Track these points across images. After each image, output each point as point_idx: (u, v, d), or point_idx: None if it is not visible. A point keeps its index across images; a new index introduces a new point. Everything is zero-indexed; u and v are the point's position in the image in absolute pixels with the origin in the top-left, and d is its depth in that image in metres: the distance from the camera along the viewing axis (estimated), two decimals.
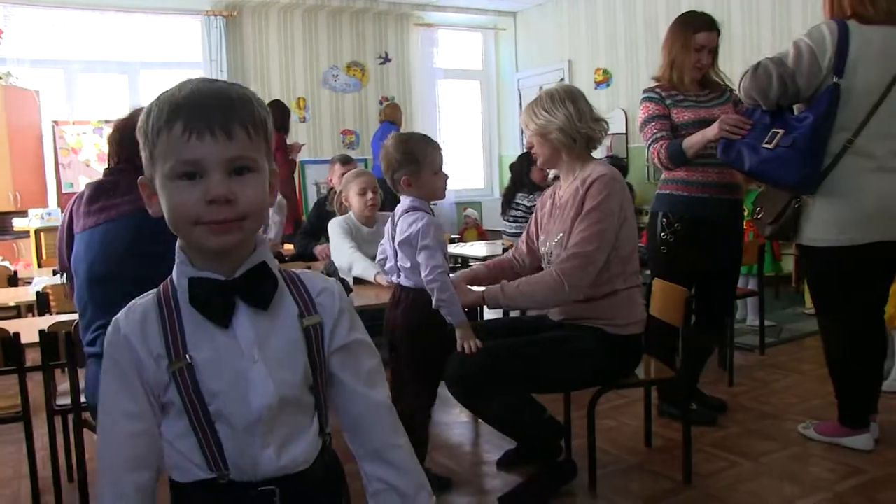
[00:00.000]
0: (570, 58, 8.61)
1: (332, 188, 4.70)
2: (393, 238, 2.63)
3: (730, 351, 3.93)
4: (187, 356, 1.05)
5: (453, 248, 5.35)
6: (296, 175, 7.40)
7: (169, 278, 1.10)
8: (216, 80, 1.06)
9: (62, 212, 6.68)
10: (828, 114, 2.67)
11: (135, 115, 2.32)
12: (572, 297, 2.51)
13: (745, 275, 4.94)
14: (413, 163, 2.56)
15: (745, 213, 4.83)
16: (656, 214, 3.30)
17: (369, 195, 3.57)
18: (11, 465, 3.17)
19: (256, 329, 1.07)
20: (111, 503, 1.06)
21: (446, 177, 2.64)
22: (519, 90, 9.48)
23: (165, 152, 1.01)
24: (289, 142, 6.74)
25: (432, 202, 2.72)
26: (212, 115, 1.00)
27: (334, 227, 3.63)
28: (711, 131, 2.97)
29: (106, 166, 2.39)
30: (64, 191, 7.14)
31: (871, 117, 2.68)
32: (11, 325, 2.60)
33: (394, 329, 2.65)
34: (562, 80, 8.55)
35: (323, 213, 4.60)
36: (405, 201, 2.61)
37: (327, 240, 4.69)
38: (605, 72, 8.10)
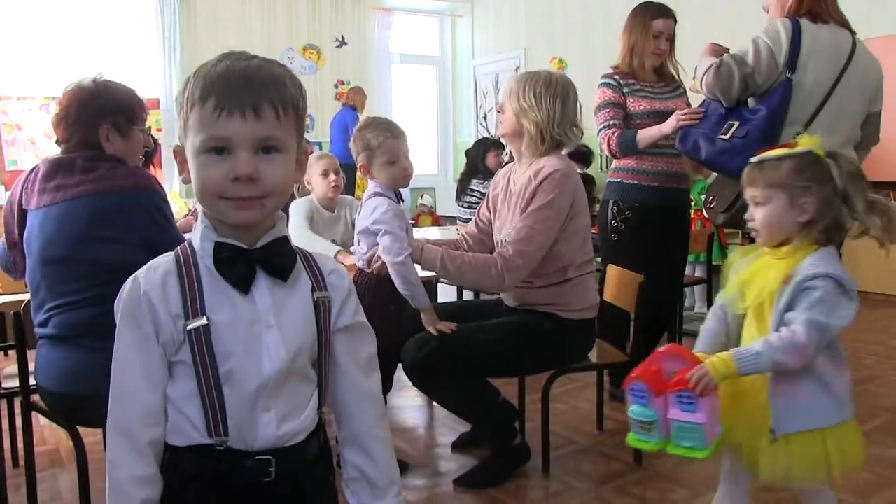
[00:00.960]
0: (525, 46, 8.67)
1: None
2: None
3: (679, 337, 4.03)
4: (205, 316, 1.07)
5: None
6: None
7: (187, 241, 1.14)
8: (254, 57, 1.09)
9: (6, 190, 6.53)
10: (780, 107, 2.76)
11: (82, 89, 2.28)
12: (505, 290, 2.57)
13: (692, 262, 5.07)
14: (367, 149, 2.56)
15: (692, 203, 4.96)
16: (607, 202, 3.38)
17: (332, 177, 3.57)
18: None
19: (273, 298, 1.11)
20: (128, 459, 1.07)
21: (408, 165, 2.61)
22: (475, 77, 9.51)
23: (197, 126, 1.05)
24: None
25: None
26: (243, 94, 1.03)
27: (296, 208, 3.60)
28: (668, 126, 3.04)
29: (58, 142, 2.30)
30: (7, 168, 6.97)
31: (818, 112, 2.78)
32: None
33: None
34: (517, 68, 8.60)
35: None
36: (370, 187, 2.62)
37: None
38: (561, 61, 8.16)
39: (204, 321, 1.07)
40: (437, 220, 8.89)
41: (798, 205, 1.73)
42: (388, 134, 2.58)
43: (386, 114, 8.97)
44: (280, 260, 1.12)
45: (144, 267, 1.12)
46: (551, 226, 2.51)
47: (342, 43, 9.00)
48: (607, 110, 3.31)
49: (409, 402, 3.53)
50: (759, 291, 1.77)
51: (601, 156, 7.38)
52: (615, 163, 3.39)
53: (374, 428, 1.23)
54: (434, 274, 2.73)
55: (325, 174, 3.55)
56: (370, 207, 2.56)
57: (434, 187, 9.51)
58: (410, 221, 7.98)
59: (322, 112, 8.73)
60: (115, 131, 2.24)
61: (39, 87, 7.17)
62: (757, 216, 1.78)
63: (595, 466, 2.79)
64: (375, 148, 2.55)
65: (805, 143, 1.80)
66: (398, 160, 2.58)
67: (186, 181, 1.10)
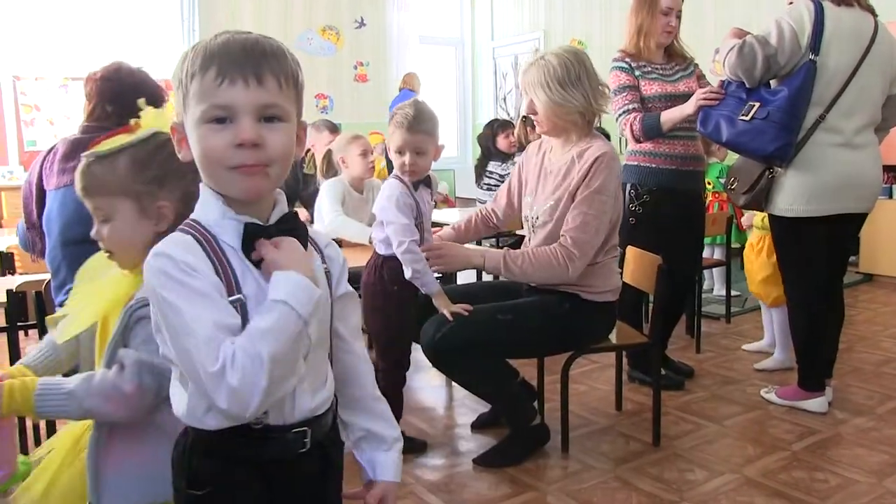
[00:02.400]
0: (545, 28, 8.62)
1: (308, 150, 4.69)
2: None
3: (697, 319, 4.04)
4: (241, 294, 1.07)
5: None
6: None
7: (194, 220, 1.10)
8: (251, 33, 1.09)
9: (25, 170, 6.57)
10: (802, 89, 2.76)
11: (117, 68, 2.32)
12: (571, 280, 2.55)
13: (711, 245, 5.07)
14: (389, 133, 2.63)
15: (709, 185, 4.95)
16: (624, 186, 3.37)
17: (370, 157, 3.61)
18: None
19: None
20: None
21: (413, 161, 2.56)
22: (494, 59, 9.48)
23: (198, 96, 1.04)
24: None
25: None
26: (245, 62, 1.03)
27: (328, 189, 3.61)
28: (690, 107, 3.04)
29: (84, 121, 2.34)
30: (26, 149, 6.99)
31: (840, 95, 2.79)
32: None
33: (364, 291, 2.71)
34: (537, 49, 8.55)
35: (299, 175, 4.61)
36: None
37: (303, 203, 4.71)
38: (581, 42, 8.12)
39: (241, 297, 1.06)
40: (452, 204, 8.88)
41: (154, 211, 1.36)
42: (402, 124, 2.56)
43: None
44: (296, 234, 1.12)
45: (162, 244, 1.06)
46: (605, 209, 2.52)
47: (361, 24, 8.99)
48: (624, 94, 3.30)
49: (428, 383, 3.57)
50: (97, 312, 1.39)
51: (619, 139, 7.35)
52: (631, 146, 3.39)
53: (373, 389, 1.30)
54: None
55: (364, 154, 3.57)
56: (384, 189, 2.60)
57: (453, 169, 9.50)
58: (432, 202, 8.05)
59: (341, 93, 8.74)
60: None
61: (58, 67, 7.15)
62: (104, 234, 1.38)
63: (613, 446, 2.81)
64: (389, 135, 2.59)
65: (149, 122, 1.43)
66: (404, 153, 2.56)
67: (186, 158, 1.10)
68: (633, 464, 2.66)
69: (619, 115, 3.32)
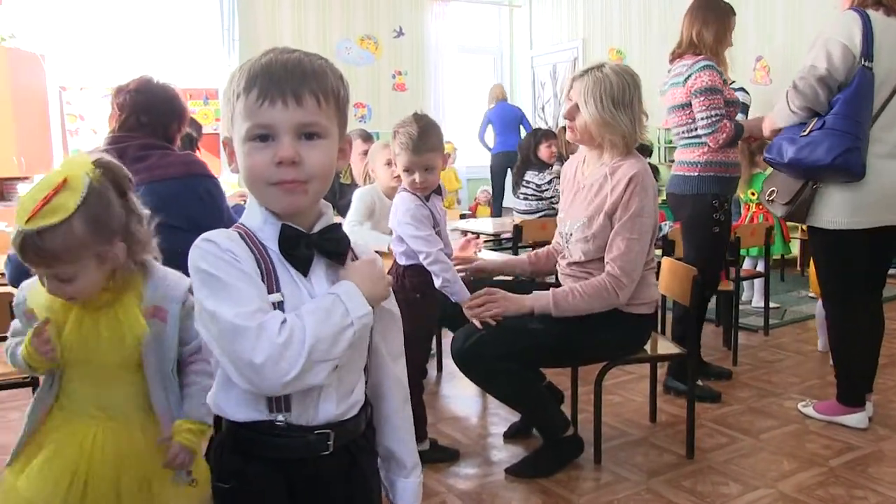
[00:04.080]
0: (584, 37, 8.61)
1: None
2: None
3: (734, 331, 4.00)
4: (280, 293, 1.12)
5: (464, 224, 5.41)
6: None
7: (240, 224, 1.16)
8: (295, 51, 1.13)
9: None
10: (858, 93, 2.71)
11: (148, 80, 2.38)
12: (622, 304, 2.54)
13: (753, 257, 5.01)
14: (396, 154, 2.65)
15: (752, 196, 4.90)
16: (703, 197, 3.37)
17: (394, 166, 3.64)
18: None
19: (329, 281, 1.16)
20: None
21: (423, 178, 2.57)
22: (532, 68, 9.48)
23: (242, 115, 1.10)
24: None
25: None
26: (284, 83, 1.08)
27: (359, 197, 3.67)
28: (766, 131, 3.07)
29: (115, 132, 2.40)
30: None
31: (886, 105, 2.75)
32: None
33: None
34: (575, 59, 8.55)
35: (335, 186, 4.65)
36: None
37: (340, 213, 4.76)
38: (619, 52, 8.09)
39: (279, 297, 1.11)
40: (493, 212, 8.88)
41: (111, 256, 1.43)
42: (407, 146, 2.56)
43: (442, 105, 9.05)
44: (337, 244, 1.18)
45: (210, 234, 1.12)
46: (646, 231, 2.52)
47: (400, 33, 9.05)
48: (718, 97, 3.28)
49: (461, 392, 3.57)
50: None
51: (659, 147, 7.31)
52: (708, 156, 3.36)
53: (401, 411, 1.32)
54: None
55: (389, 164, 3.60)
56: (397, 204, 2.62)
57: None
58: (466, 211, 8.10)
59: (379, 102, 8.80)
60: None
61: (102, 77, 7.24)
62: (67, 292, 1.42)
63: (647, 458, 2.79)
64: (398, 154, 2.59)
65: (72, 166, 1.40)
66: (413, 172, 2.58)
67: (235, 171, 1.16)
68: (667, 476, 2.63)
69: (714, 116, 3.26)
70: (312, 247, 1.15)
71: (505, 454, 2.87)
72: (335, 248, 1.17)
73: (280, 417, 1.14)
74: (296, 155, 1.09)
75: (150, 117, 2.33)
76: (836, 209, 2.83)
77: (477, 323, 2.51)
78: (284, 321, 1.05)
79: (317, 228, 1.17)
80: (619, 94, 2.52)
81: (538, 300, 2.53)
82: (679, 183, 3.46)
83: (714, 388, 3.44)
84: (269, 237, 1.14)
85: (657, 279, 2.77)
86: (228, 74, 1.15)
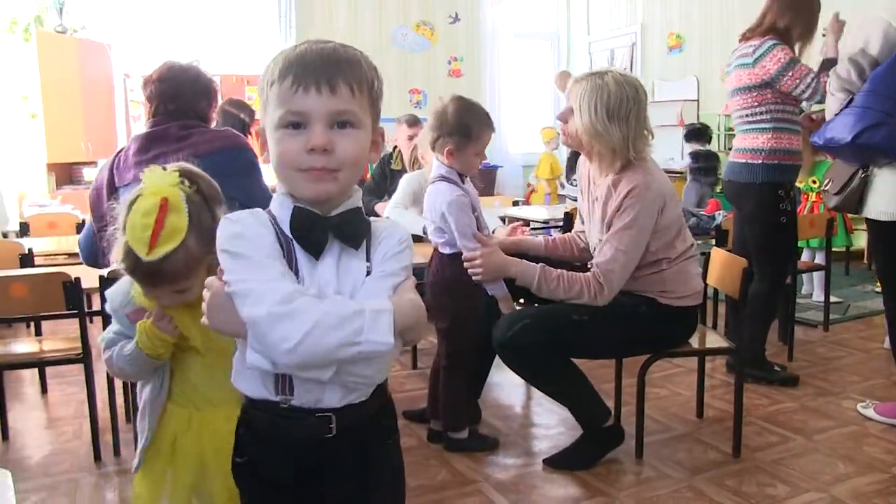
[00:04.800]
0: (642, 21, 8.41)
1: (395, 146, 4.72)
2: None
3: (791, 325, 3.84)
4: (298, 279, 1.11)
5: (515, 211, 5.34)
6: None
7: (268, 210, 1.16)
8: (329, 42, 1.13)
9: None
10: (889, 68, 2.59)
11: (169, 67, 2.41)
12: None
13: (813, 248, 4.83)
14: (465, 136, 2.55)
15: (813, 184, 4.72)
16: (767, 186, 3.26)
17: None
18: (74, 404, 3.32)
19: (339, 267, 1.14)
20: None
21: (484, 158, 2.64)
22: (590, 53, 9.31)
23: (276, 102, 1.09)
24: None
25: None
26: (319, 70, 1.08)
27: (406, 182, 3.74)
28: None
29: (150, 119, 2.43)
30: None
31: None
32: (74, 271, 2.70)
33: (430, 291, 2.72)
34: (633, 44, 8.37)
35: (386, 171, 4.64)
36: (437, 169, 2.61)
37: (388, 196, 4.74)
38: (678, 36, 7.88)
39: (297, 279, 1.11)
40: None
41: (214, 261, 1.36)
42: (488, 126, 2.57)
43: (498, 91, 8.97)
44: (354, 228, 1.15)
45: (239, 213, 1.14)
46: (636, 243, 2.43)
47: (455, 19, 8.98)
48: (801, 65, 3.19)
49: (507, 380, 3.49)
50: None
51: (719, 134, 7.11)
52: (773, 143, 3.25)
53: None
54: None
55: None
56: (434, 193, 2.58)
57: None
58: (520, 199, 8.02)
59: (434, 89, 8.75)
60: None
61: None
62: (176, 301, 1.47)
63: (690, 455, 2.70)
64: (474, 137, 2.54)
65: (154, 182, 1.42)
66: (482, 153, 2.60)
67: (267, 161, 1.15)
68: (710, 474, 2.54)
69: (811, 80, 3.15)
70: (328, 230, 1.13)
71: (546, 444, 2.82)
72: (352, 233, 1.15)
73: (283, 399, 1.14)
74: (328, 143, 1.08)
75: (177, 103, 2.37)
76: (889, 198, 2.68)
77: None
78: (301, 298, 1.04)
79: (336, 212, 1.14)
80: (615, 105, 2.41)
81: (525, 271, 2.47)
82: (741, 171, 3.33)
83: (794, 373, 3.38)
84: (284, 221, 1.14)
85: (702, 269, 2.67)
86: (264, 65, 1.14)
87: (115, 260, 1.43)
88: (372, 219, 1.20)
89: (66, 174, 6.86)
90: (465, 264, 2.52)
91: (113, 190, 2.35)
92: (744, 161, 3.31)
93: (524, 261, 2.52)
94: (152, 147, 2.30)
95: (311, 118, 1.08)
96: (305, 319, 1.03)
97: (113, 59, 7.25)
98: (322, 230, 1.13)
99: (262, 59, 7.53)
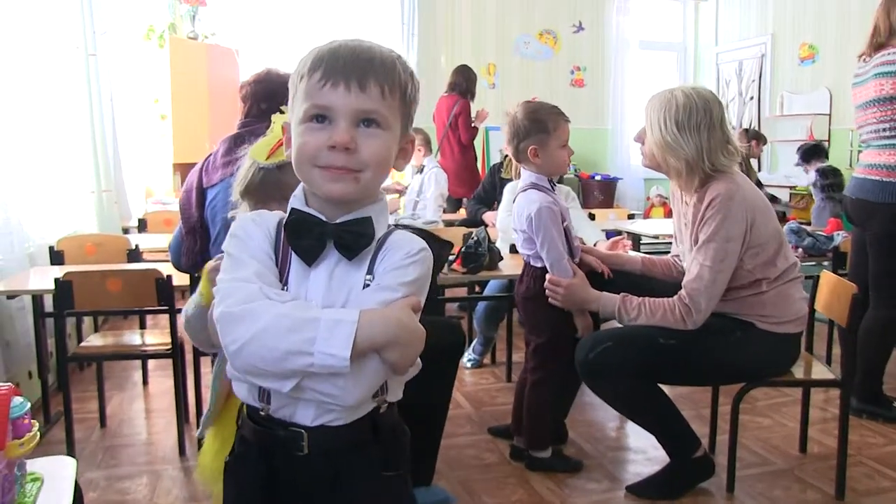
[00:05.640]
0: (773, 31, 8.03)
1: (507, 155, 4.71)
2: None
3: None
4: (286, 287, 1.08)
5: (630, 225, 5.22)
6: (479, 142, 7.44)
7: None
8: (365, 41, 1.10)
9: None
10: None
11: (267, 71, 2.51)
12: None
13: None
14: (542, 131, 2.50)
15: None
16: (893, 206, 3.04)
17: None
18: (169, 397, 3.44)
19: (332, 277, 1.08)
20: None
21: (571, 152, 2.58)
22: (717, 65, 8.97)
23: (303, 96, 1.06)
24: (475, 108, 6.72)
25: (557, 176, 2.67)
26: (350, 67, 1.04)
27: (508, 190, 3.76)
28: None
29: (241, 120, 2.52)
30: None
31: None
32: (166, 269, 2.79)
33: (521, 306, 2.69)
34: (763, 55, 8.01)
35: (496, 179, 4.63)
36: (526, 177, 2.57)
37: (498, 206, 4.73)
38: (811, 47, 7.47)
39: (284, 289, 1.08)
40: (669, 212, 8.50)
41: None
42: (562, 116, 2.55)
43: (621, 102, 8.80)
44: (354, 237, 1.07)
45: (253, 213, 1.14)
46: (722, 256, 2.30)
47: (579, 28, 8.85)
48: None
49: (600, 400, 3.39)
50: None
51: (851, 151, 6.69)
52: (886, 159, 3.04)
53: None
54: None
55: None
56: (523, 203, 2.54)
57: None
58: (638, 212, 7.80)
59: (556, 98, 8.53)
60: None
61: (290, 69, 7.67)
62: None
63: (787, 493, 2.52)
64: (552, 130, 2.51)
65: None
66: (567, 143, 2.55)
67: (290, 157, 1.10)
68: None
69: None
70: (327, 237, 1.07)
71: (633, 470, 2.71)
72: (350, 242, 1.07)
73: (262, 407, 1.11)
74: (351, 141, 1.03)
75: (270, 104, 2.41)
76: None
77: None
78: (262, 299, 1.01)
79: (343, 218, 1.08)
80: (685, 115, 2.32)
81: (605, 304, 2.43)
82: (871, 188, 3.08)
83: None
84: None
85: (808, 293, 2.49)
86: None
87: (237, 185, 1.53)
88: (394, 229, 1.14)
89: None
90: (547, 285, 2.47)
91: (201, 192, 2.42)
92: (876, 178, 3.06)
93: (605, 293, 2.45)
94: (237, 148, 2.35)
95: (337, 114, 1.04)
96: (256, 321, 0.99)
97: (240, 64, 7.50)
98: (318, 236, 1.07)
99: None
